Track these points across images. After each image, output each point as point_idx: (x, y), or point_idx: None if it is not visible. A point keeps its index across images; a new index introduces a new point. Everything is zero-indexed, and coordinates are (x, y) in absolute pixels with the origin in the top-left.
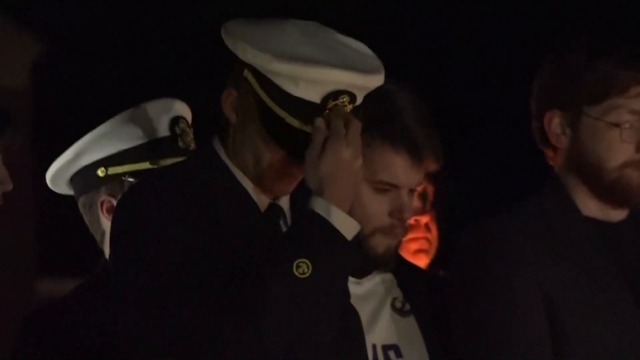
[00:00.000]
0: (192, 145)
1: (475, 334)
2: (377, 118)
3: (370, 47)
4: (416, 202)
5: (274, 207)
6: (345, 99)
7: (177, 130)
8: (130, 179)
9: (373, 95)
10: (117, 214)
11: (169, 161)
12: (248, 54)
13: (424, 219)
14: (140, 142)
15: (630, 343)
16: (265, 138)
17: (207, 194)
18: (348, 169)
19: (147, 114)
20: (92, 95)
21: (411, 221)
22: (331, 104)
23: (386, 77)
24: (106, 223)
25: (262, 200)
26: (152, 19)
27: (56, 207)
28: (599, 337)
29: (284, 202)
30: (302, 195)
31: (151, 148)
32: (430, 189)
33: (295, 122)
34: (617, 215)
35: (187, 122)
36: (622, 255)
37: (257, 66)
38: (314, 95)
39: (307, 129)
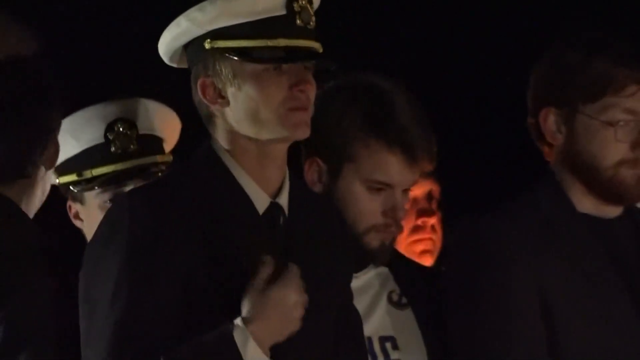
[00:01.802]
0: (132, 147)
1: (470, 329)
2: (372, 117)
3: (364, 45)
4: (423, 204)
5: (273, 207)
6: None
7: (110, 135)
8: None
9: (369, 94)
10: (104, 223)
11: (99, 170)
12: (201, 18)
13: (431, 221)
14: (75, 151)
15: (624, 339)
16: (262, 82)
17: (205, 202)
18: (287, 315)
19: (81, 120)
20: (89, 91)
21: (418, 222)
22: (297, 7)
23: (382, 76)
24: (79, 225)
25: (262, 200)
26: (152, 13)
27: (50, 205)
28: (592, 332)
29: (284, 200)
30: (299, 190)
31: (82, 158)
32: (436, 190)
33: (279, 42)
34: (612, 211)
35: (129, 123)
36: (617, 252)
37: (214, 22)
38: (275, 6)
39: (292, 42)
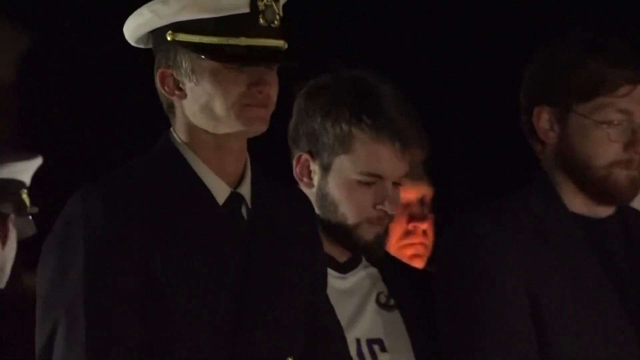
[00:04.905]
0: None
1: (460, 331)
2: (359, 109)
3: (357, 44)
4: (415, 209)
5: (234, 196)
6: None
7: None
8: None
9: (355, 87)
10: (60, 219)
11: None
12: (163, 11)
13: (422, 226)
14: None
15: (613, 339)
16: (221, 78)
17: (162, 194)
18: None
19: None
20: (81, 90)
21: (409, 227)
22: (261, 5)
23: (368, 70)
24: None
25: (221, 190)
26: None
27: (43, 200)
28: (582, 332)
29: (245, 190)
30: (263, 182)
31: None
32: (429, 195)
33: (241, 40)
34: (603, 211)
35: None
36: (607, 252)
37: (176, 15)
38: (240, 3)
39: (254, 42)
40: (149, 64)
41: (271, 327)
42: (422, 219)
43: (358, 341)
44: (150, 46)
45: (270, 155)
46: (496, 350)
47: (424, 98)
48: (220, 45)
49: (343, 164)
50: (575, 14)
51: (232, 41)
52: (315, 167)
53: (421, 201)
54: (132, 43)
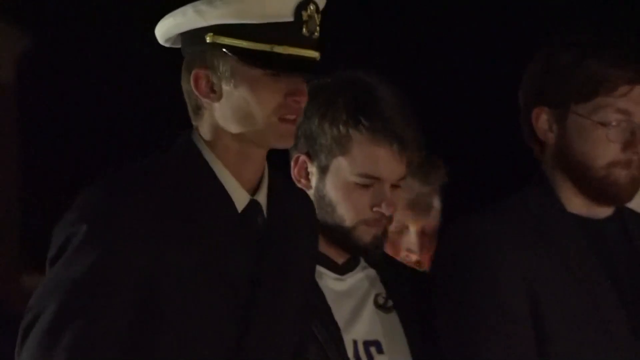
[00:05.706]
0: None
1: (460, 334)
2: (356, 110)
3: (356, 42)
4: (412, 240)
5: (253, 204)
6: (313, 8)
7: None
8: None
9: (352, 89)
10: (75, 211)
11: None
12: (209, 12)
13: (415, 257)
14: None
15: (612, 339)
16: (260, 85)
17: (182, 198)
18: None
19: None
20: (78, 90)
21: (403, 254)
22: (305, 16)
23: (368, 72)
24: None
25: (241, 198)
26: (141, 12)
27: (41, 201)
28: (581, 333)
29: (262, 198)
30: (278, 186)
31: None
32: (430, 227)
33: (282, 49)
34: (602, 212)
35: None
36: (606, 253)
37: (220, 18)
38: (285, 12)
39: (295, 51)
40: (154, 64)
41: (277, 337)
42: (415, 252)
43: (355, 343)
44: (177, 45)
45: (269, 156)
46: (496, 349)
47: (423, 99)
48: (264, 52)
49: (340, 166)
50: (575, 14)
51: (276, 49)
52: (313, 169)
53: (420, 234)
54: (161, 41)
